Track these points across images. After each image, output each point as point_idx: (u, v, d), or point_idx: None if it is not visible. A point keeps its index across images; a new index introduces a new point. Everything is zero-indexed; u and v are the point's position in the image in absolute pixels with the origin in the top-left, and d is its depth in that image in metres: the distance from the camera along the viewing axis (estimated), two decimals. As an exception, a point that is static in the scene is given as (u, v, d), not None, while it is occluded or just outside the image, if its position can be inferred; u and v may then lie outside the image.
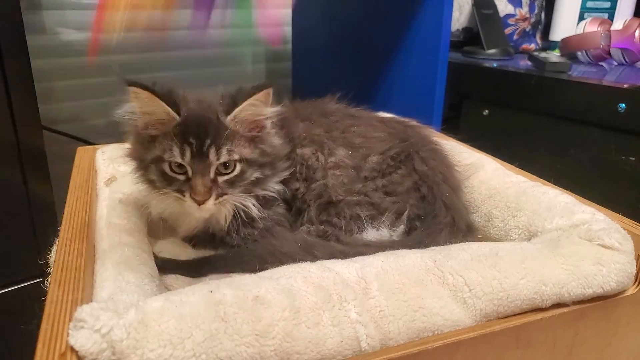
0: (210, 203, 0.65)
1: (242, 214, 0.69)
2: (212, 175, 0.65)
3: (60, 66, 1.56)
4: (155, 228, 0.76)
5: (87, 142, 1.42)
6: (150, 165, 0.67)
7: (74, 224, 0.65)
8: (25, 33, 0.91)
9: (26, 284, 0.98)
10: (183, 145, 0.63)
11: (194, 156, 0.64)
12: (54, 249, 0.61)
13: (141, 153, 0.68)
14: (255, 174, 0.68)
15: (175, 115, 0.64)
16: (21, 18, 0.89)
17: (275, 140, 0.71)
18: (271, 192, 0.72)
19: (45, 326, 0.45)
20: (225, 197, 0.66)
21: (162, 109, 0.64)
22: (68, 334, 0.42)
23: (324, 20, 1.72)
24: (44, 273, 0.62)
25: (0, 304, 0.97)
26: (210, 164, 0.64)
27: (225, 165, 0.65)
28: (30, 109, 0.94)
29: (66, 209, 0.70)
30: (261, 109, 0.67)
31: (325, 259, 0.59)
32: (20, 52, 0.90)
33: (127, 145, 0.73)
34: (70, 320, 0.44)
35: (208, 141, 0.63)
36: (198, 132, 0.64)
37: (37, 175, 0.96)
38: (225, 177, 0.66)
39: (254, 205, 0.70)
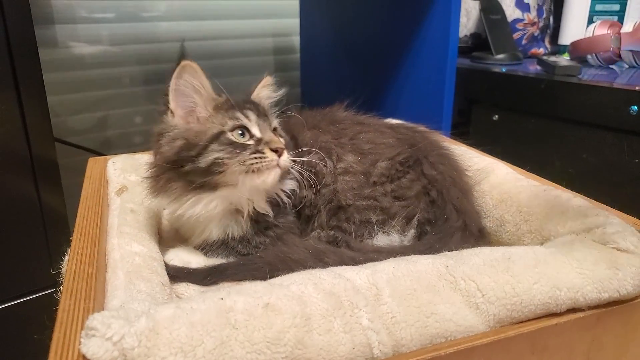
0: (286, 155, 0.68)
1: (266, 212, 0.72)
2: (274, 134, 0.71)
3: (72, 79, 1.58)
4: (167, 237, 0.77)
5: (99, 154, 1.43)
6: (209, 145, 0.65)
7: (85, 233, 0.66)
8: (37, 47, 0.92)
9: (39, 294, 0.99)
10: (244, 111, 0.68)
11: (258, 116, 0.69)
12: (66, 258, 0.61)
13: (192, 139, 0.66)
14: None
15: (219, 96, 0.70)
16: (34, 32, 0.91)
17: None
18: (291, 184, 0.74)
19: (57, 334, 0.45)
20: (287, 155, 0.69)
21: (209, 88, 0.69)
22: (80, 342, 0.42)
23: (331, 29, 1.72)
24: (56, 283, 0.62)
25: (14, 314, 0.97)
26: (271, 124, 0.71)
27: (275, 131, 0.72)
28: (43, 122, 0.95)
29: (78, 219, 0.70)
30: (269, 92, 0.77)
31: (336, 265, 0.59)
32: (33, 65, 0.92)
33: (148, 155, 0.76)
34: (82, 328, 0.44)
35: (260, 106, 0.72)
36: (248, 102, 0.72)
37: (50, 187, 0.97)
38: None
39: (286, 190, 0.73)
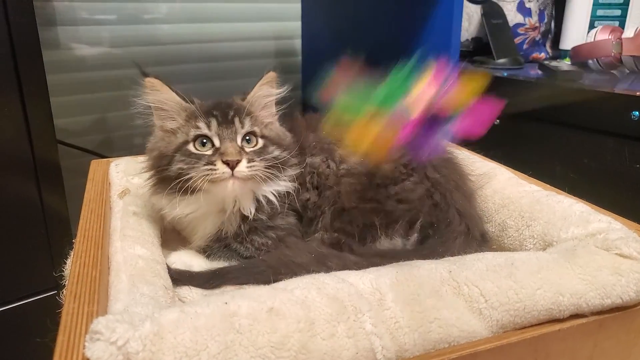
0: (243, 166, 0.67)
1: (259, 212, 0.72)
2: (239, 142, 0.69)
3: (74, 81, 1.58)
4: (169, 240, 0.77)
5: (101, 156, 1.43)
6: (175, 155, 0.69)
7: (88, 236, 0.66)
8: (41, 49, 0.92)
9: (42, 296, 0.99)
10: (208, 119, 0.69)
11: (220, 124, 0.69)
12: (69, 261, 0.61)
13: (163, 149, 0.71)
14: (275, 151, 0.72)
15: (189, 103, 0.70)
16: (37, 34, 0.91)
17: (284, 132, 0.77)
18: (284, 186, 0.74)
19: (61, 338, 0.45)
20: (254, 164, 0.68)
21: (175, 100, 0.70)
22: (84, 346, 0.42)
23: (333, 32, 1.73)
24: (59, 285, 0.62)
25: (16, 317, 0.97)
26: (237, 131, 0.69)
27: (247, 138, 0.70)
28: (46, 124, 0.95)
29: (81, 222, 0.70)
30: (270, 89, 0.75)
31: (339, 269, 0.59)
32: (36, 67, 0.92)
33: (143, 159, 0.77)
34: (86, 332, 0.44)
35: (231, 112, 0.70)
36: (220, 107, 0.71)
37: (52, 189, 0.97)
38: (251, 149, 0.70)
39: (275, 192, 0.73)
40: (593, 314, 0.56)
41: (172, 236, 0.80)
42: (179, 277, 0.66)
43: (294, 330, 0.47)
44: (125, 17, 1.66)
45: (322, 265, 0.63)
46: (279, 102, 0.78)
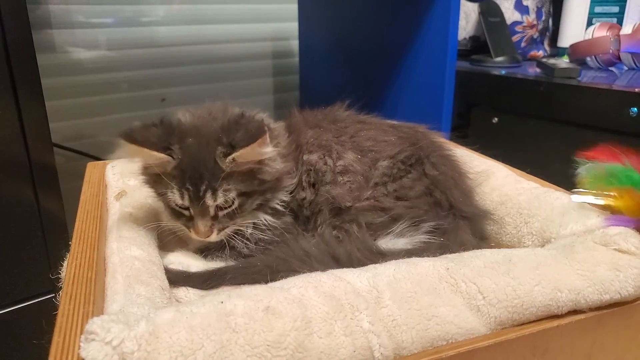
0: (213, 237, 0.68)
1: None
2: (212, 213, 0.67)
3: (70, 84, 1.58)
4: (166, 241, 0.76)
5: (97, 159, 1.43)
6: (159, 196, 0.70)
7: (84, 238, 0.65)
8: (35, 52, 0.92)
9: (38, 299, 0.98)
10: (181, 190, 0.65)
11: (192, 200, 0.66)
12: (65, 263, 0.61)
13: (151, 185, 0.71)
14: (256, 202, 0.69)
15: (170, 159, 0.65)
16: (31, 37, 0.91)
17: (275, 165, 0.70)
18: (279, 204, 0.73)
19: (56, 339, 0.45)
20: (227, 229, 0.69)
21: (154, 156, 0.65)
22: (79, 347, 0.42)
23: (330, 32, 1.73)
24: (55, 288, 0.62)
25: (13, 320, 0.97)
26: (208, 206, 0.66)
27: (225, 201, 0.66)
28: (41, 127, 0.94)
29: (77, 224, 0.70)
30: (259, 153, 0.66)
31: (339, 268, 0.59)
32: (30, 70, 0.91)
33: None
34: (81, 332, 0.43)
35: (203, 187, 0.64)
36: (193, 178, 0.64)
37: (49, 192, 0.97)
38: (225, 211, 0.68)
39: (254, 228, 0.71)
40: (591, 309, 0.56)
41: (168, 237, 0.80)
42: (176, 278, 0.65)
43: (291, 328, 0.46)
44: (121, 19, 1.66)
45: (320, 263, 0.63)
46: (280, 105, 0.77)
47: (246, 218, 0.70)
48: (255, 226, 0.71)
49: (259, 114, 0.75)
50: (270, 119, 0.78)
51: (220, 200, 0.66)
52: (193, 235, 0.68)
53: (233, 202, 0.67)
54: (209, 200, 0.65)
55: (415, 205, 0.72)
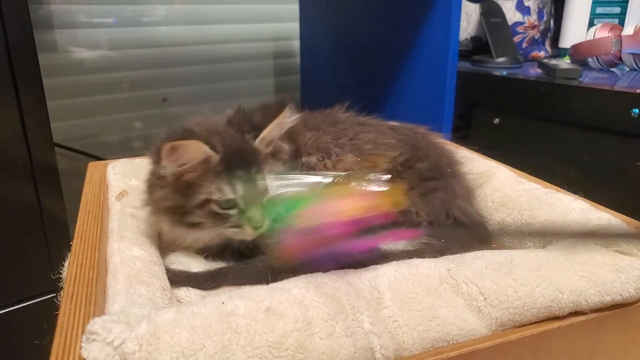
0: (266, 224, 0.65)
1: None
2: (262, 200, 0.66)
3: (71, 84, 1.58)
4: (167, 241, 0.76)
5: (98, 158, 1.43)
6: (194, 210, 0.65)
7: (85, 238, 0.65)
8: (37, 52, 0.92)
9: (40, 299, 0.98)
10: (232, 181, 0.63)
11: (245, 186, 0.64)
12: (66, 263, 0.61)
13: (181, 201, 0.66)
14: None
15: (214, 153, 0.63)
16: (33, 37, 0.91)
17: (286, 146, 0.74)
18: None
19: (58, 339, 0.45)
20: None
21: (203, 152, 0.62)
22: (81, 347, 0.42)
23: (331, 33, 1.73)
24: (57, 288, 0.62)
25: (14, 319, 0.97)
26: (260, 189, 0.65)
27: None
28: (43, 127, 0.94)
29: (78, 224, 0.70)
30: (285, 125, 0.69)
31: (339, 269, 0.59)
32: (32, 70, 0.91)
33: (145, 195, 0.71)
34: (82, 333, 0.44)
35: (254, 169, 0.64)
36: (242, 164, 0.64)
37: (50, 192, 0.97)
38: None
39: None
40: (593, 311, 0.56)
41: (169, 237, 0.80)
42: (177, 279, 0.65)
43: (292, 329, 0.46)
44: (123, 19, 1.66)
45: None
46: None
47: None
48: None
49: None
50: None
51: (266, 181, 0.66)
52: (247, 231, 0.65)
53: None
54: (260, 182, 0.65)
55: (415, 206, 0.72)
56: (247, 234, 0.65)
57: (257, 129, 0.66)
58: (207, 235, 0.68)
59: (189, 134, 0.62)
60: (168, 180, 0.65)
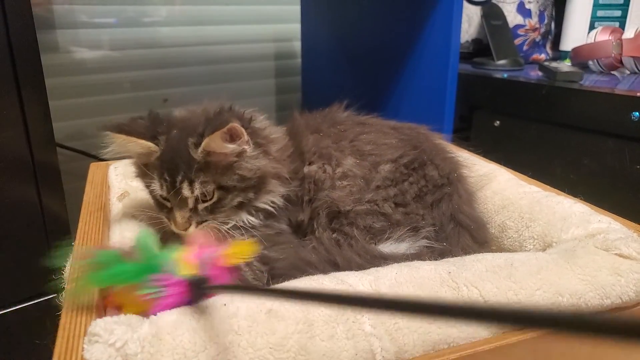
0: (192, 230, 0.66)
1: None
2: (190, 205, 0.66)
3: (73, 84, 1.58)
4: (169, 242, 0.76)
5: (100, 159, 1.43)
6: (146, 188, 0.70)
7: (87, 238, 0.66)
8: (39, 52, 0.92)
9: (41, 299, 0.98)
10: (161, 181, 0.66)
11: (169, 190, 0.65)
12: (68, 263, 0.61)
13: (141, 177, 0.71)
14: (236, 199, 0.67)
15: (155, 147, 0.66)
16: (36, 37, 0.91)
17: (257, 163, 0.68)
18: (269, 205, 0.71)
19: (60, 340, 0.45)
20: (206, 223, 0.67)
21: (140, 145, 0.66)
22: (83, 349, 0.42)
23: (332, 34, 1.73)
24: (59, 288, 0.62)
25: (16, 320, 0.97)
26: (187, 198, 0.65)
27: (203, 194, 0.65)
28: (45, 127, 0.95)
29: (80, 224, 0.70)
30: (224, 146, 0.64)
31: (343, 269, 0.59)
32: (34, 70, 0.92)
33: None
34: (85, 334, 0.44)
35: (179, 177, 0.64)
36: (170, 168, 0.65)
37: (51, 192, 0.97)
38: (205, 205, 0.66)
39: (234, 228, 0.69)
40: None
41: (171, 238, 0.80)
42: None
43: (293, 331, 0.47)
44: (124, 20, 1.66)
45: (321, 272, 0.63)
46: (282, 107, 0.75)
47: (227, 214, 0.68)
48: (235, 226, 0.69)
49: (251, 111, 0.73)
50: (266, 121, 0.76)
51: (197, 191, 0.64)
52: (172, 227, 0.67)
53: (213, 195, 0.66)
54: (186, 191, 0.64)
55: (416, 210, 0.72)
56: (173, 228, 0.67)
57: (201, 137, 0.63)
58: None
59: (140, 123, 0.68)
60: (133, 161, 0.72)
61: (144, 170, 0.68)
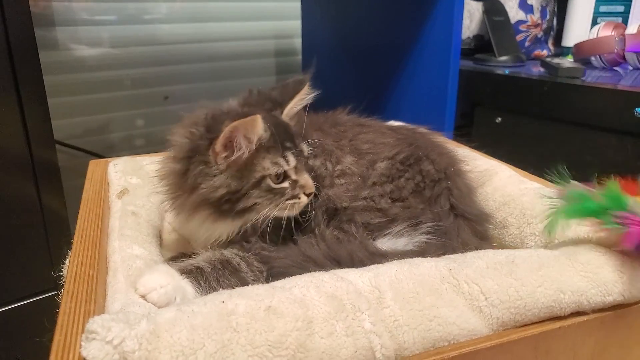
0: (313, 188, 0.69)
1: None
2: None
3: (72, 82, 1.58)
4: (168, 239, 0.76)
5: (100, 156, 1.43)
6: (249, 192, 0.65)
7: (86, 236, 0.65)
8: (38, 49, 0.92)
9: (40, 296, 0.98)
10: (284, 153, 0.66)
11: (296, 158, 0.67)
12: (67, 261, 0.61)
13: (233, 187, 0.64)
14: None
15: (266, 131, 0.64)
16: (34, 34, 0.91)
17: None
18: None
19: (58, 338, 0.45)
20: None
21: (262, 130, 0.63)
22: (80, 346, 0.42)
23: (333, 31, 1.72)
24: (57, 286, 0.62)
25: (15, 317, 0.97)
26: (302, 158, 0.69)
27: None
28: (44, 124, 0.94)
29: (79, 222, 0.70)
30: (295, 110, 0.73)
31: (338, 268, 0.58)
32: (33, 68, 0.91)
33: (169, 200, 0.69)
34: (82, 331, 0.43)
35: (297, 140, 0.69)
36: (287, 136, 0.67)
37: (51, 189, 0.97)
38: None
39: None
40: (594, 311, 0.56)
41: (170, 236, 0.80)
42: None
43: (292, 328, 0.46)
44: (124, 17, 1.66)
45: (321, 267, 0.63)
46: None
47: None
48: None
49: None
50: None
51: (306, 150, 0.70)
52: (304, 199, 0.68)
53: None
54: (305, 149, 0.69)
55: (413, 205, 0.72)
56: (303, 202, 0.68)
57: (279, 105, 0.71)
58: (232, 226, 0.67)
59: (237, 116, 0.63)
60: (220, 168, 0.64)
61: (251, 163, 0.64)
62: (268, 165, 0.65)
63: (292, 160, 0.66)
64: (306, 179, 0.68)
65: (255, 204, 0.65)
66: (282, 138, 0.66)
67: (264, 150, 0.65)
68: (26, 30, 0.89)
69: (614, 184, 0.60)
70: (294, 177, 0.67)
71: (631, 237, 0.55)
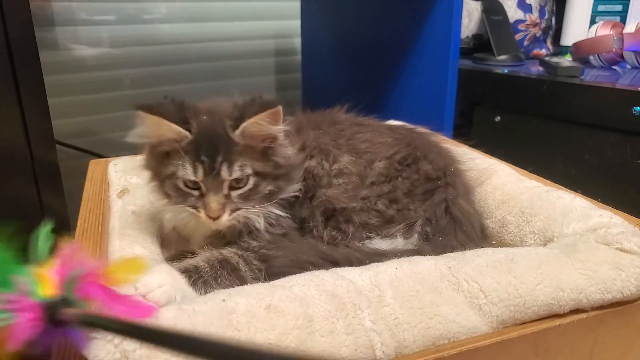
0: (224, 218, 0.64)
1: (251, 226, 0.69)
2: (225, 191, 0.64)
3: (72, 81, 1.58)
4: (168, 239, 0.76)
5: (100, 156, 1.43)
6: (165, 180, 0.67)
7: (87, 236, 0.66)
8: (38, 49, 0.92)
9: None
10: (195, 163, 0.63)
11: (206, 173, 0.63)
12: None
13: (156, 167, 0.68)
14: (269, 187, 0.67)
15: (187, 133, 0.63)
16: (34, 34, 0.91)
17: (288, 151, 0.70)
18: (293, 196, 0.72)
19: (58, 337, 0.44)
20: (239, 212, 0.66)
21: (172, 130, 0.63)
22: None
23: (332, 30, 1.72)
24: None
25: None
26: (223, 181, 0.64)
27: (238, 180, 0.65)
28: (44, 124, 0.95)
29: (79, 221, 0.70)
30: (267, 127, 0.65)
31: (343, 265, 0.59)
32: (33, 68, 0.92)
33: (142, 157, 0.72)
34: (83, 330, 0.43)
35: (220, 158, 0.63)
36: (209, 149, 0.63)
37: (51, 189, 0.97)
38: (239, 192, 0.65)
39: (263, 220, 0.69)
40: (593, 309, 0.56)
41: (170, 236, 0.80)
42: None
43: (293, 327, 0.47)
44: (124, 17, 1.66)
45: (326, 261, 0.63)
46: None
47: (258, 203, 0.67)
48: (266, 218, 0.69)
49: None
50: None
51: (235, 174, 0.64)
52: (202, 216, 0.64)
53: (248, 181, 0.65)
54: (225, 173, 0.63)
55: (411, 205, 0.72)
56: (201, 217, 0.65)
57: (241, 118, 0.64)
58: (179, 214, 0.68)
59: (170, 107, 0.65)
60: (150, 147, 0.69)
61: (167, 158, 0.65)
62: (178, 165, 0.64)
63: (201, 174, 0.63)
64: (211, 201, 0.63)
65: (169, 194, 0.67)
66: (201, 150, 0.63)
67: (182, 151, 0.64)
68: (26, 30, 0.89)
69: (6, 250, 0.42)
70: (203, 191, 0.65)
71: (21, 330, 0.37)
